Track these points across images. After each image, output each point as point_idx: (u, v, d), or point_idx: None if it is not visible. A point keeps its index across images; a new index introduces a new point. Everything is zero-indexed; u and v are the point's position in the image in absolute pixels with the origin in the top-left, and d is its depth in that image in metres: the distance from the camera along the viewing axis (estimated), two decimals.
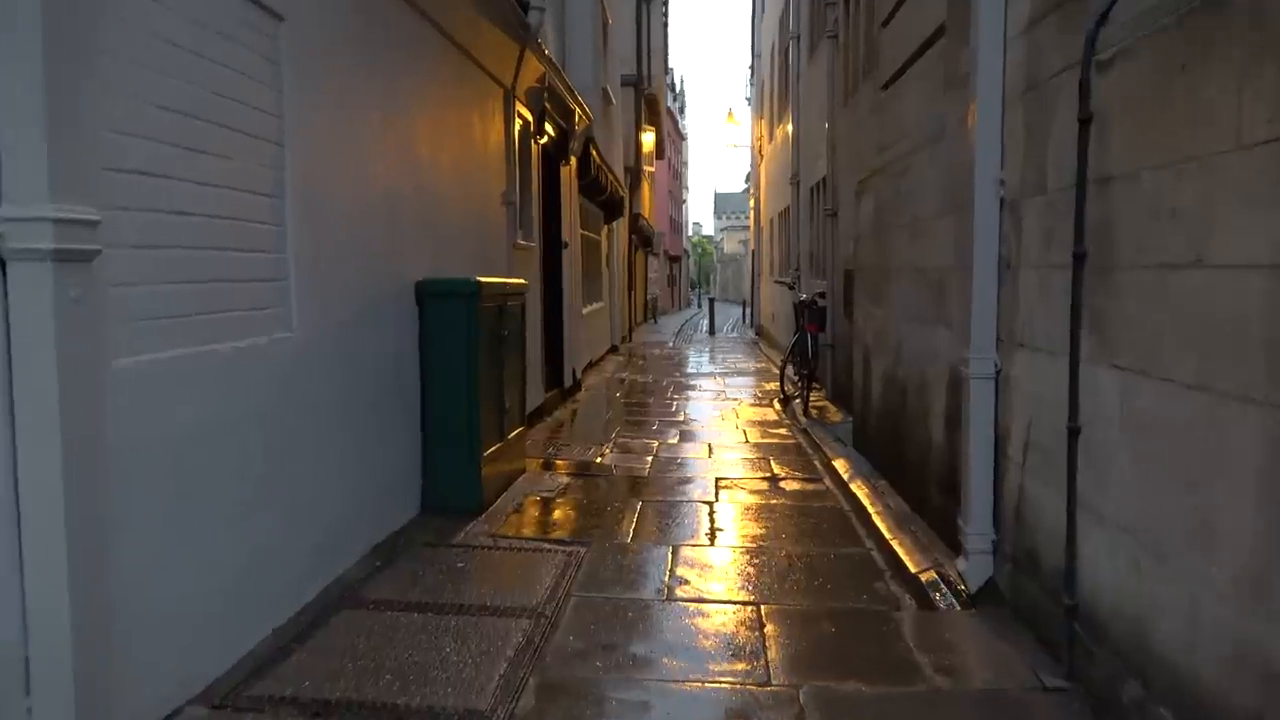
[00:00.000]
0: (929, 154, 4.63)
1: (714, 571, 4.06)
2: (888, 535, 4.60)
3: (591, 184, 12.14)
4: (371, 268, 4.21)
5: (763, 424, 8.47)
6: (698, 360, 15.88)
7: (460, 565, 4.00)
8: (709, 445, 7.29)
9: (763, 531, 4.74)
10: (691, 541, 4.53)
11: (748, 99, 26.23)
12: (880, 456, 5.87)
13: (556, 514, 5.12)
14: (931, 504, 4.57)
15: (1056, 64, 2.99)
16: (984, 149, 3.48)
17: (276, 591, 3.26)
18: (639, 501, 5.32)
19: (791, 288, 10.96)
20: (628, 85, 20.75)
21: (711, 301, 27.03)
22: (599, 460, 6.55)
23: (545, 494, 5.48)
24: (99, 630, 2.33)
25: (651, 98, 23.53)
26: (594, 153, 11.42)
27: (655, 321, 31.49)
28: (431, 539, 4.38)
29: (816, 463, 6.61)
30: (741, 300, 35.78)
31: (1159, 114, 2.36)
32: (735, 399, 10.39)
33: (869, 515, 5.02)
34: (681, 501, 5.36)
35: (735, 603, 3.65)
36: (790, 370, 10.66)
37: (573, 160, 10.46)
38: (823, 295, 9.79)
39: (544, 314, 8.54)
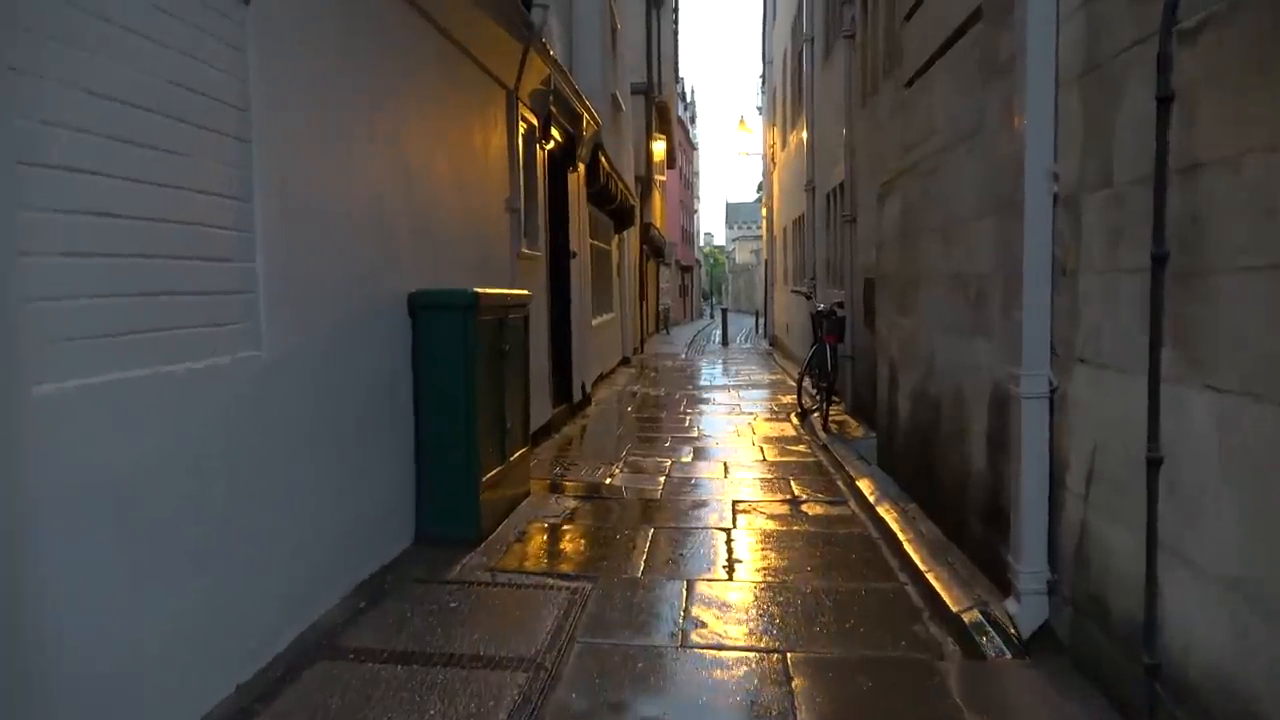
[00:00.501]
0: (964, 150, 4.26)
1: (733, 611, 3.67)
2: (923, 567, 4.20)
3: (601, 192, 11.80)
4: (357, 278, 3.86)
5: (780, 440, 8.07)
6: (711, 372, 15.50)
7: (453, 605, 3.63)
8: (724, 464, 6.90)
9: (785, 563, 4.35)
10: (708, 575, 4.14)
11: (759, 108, 25.93)
12: (909, 477, 5.47)
13: (561, 543, 4.74)
14: (970, 532, 4.17)
15: (1125, 38, 2.61)
16: (1035, 140, 3.10)
17: (242, 643, 2.90)
18: (650, 528, 4.94)
19: (808, 297, 10.57)
20: (638, 93, 20.45)
21: (724, 312, 26.63)
22: (608, 481, 6.18)
23: (550, 520, 5.10)
24: (12, 706, 1.97)
25: (662, 105, 23.24)
26: (603, 160, 11.09)
27: (667, 332, 31.13)
28: (424, 574, 4.01)
29: (839, 483, 6.21)
30: (754, 310, 35.39)
31: (1270, 86, 1.97)
32: (750, 413, 10.00)
33: (900, 544, 4.62)
34: (696, 528, 4.97)
35: (758, 650, 3.26)
36: (808, 383, 10.26)
37: (581, 167, 10.13)
38: (841, 305, 9.41)
39: (550, 326, 8.18)
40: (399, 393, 4.28)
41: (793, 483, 6.19)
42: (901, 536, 4.73)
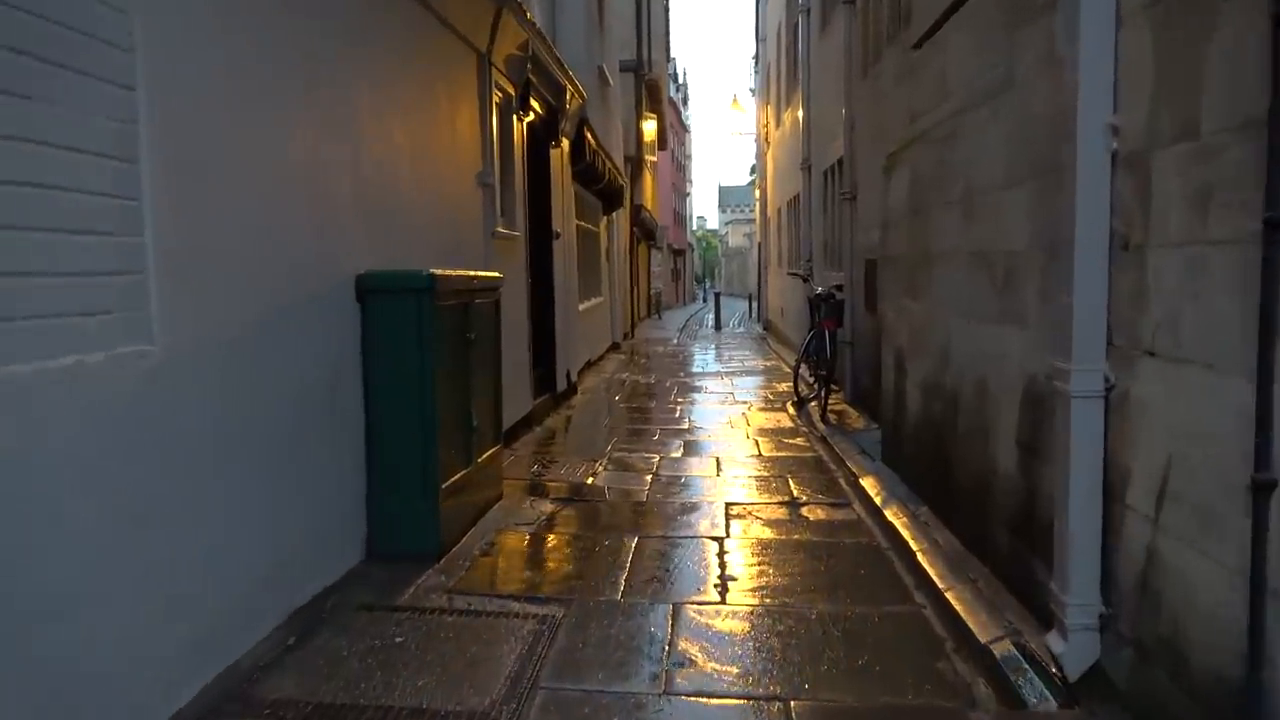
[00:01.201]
0: (987, 112, 3.72)
1: (727, 645, 3.16)
2: (941, 585, 3.70)
3: (587, 170, 11.23)
4: (287, 258, 3.31)
5: (776, 432, 7.56)
6: (703, 358, 14.98)
7: (399, 640, 3.11)
8: (716, 460, 6.39)
9: (786, 580, 3.84)
10: (697, 597, 3.63)
11: (752, 90, 25.28)
12: (919, 476, 4.97)
13: (532, 557, 4.23)
14: (995, 545, 3.67)
15: None
16: (1090, 88, 2.57)
17: (131, 702, 2.38)
18: (635, 537, 4.42)
19: (805, 280, 10.05)
20: (627, 71, 19.83)
21: (717, 296, 26.11)
22: (591, 481, 5.66)
23: (523, 528, 4.59)
24: None
25: (653, 84, 22.60)
26: (589, 136, 10.52)
27: (659, 317, 30.60)
28: (370, 599, 3.49)
29: (841, 481, 5.71)
30: (747, 294, 34.87)
31: None
32: (744, 402, 9.49)
33: (914, 555, 4.13)
34: (685, 538, 4.46)
35: (756, 698, 2.75)
36: (805, 370, 9.76)
37: (564, 143, 9.56)
38: (840, 288, 8.89)
39: (530, 312, 7.64)
40: (345, 390, 3.75)
41: (791, 481, 5.68)
42: (914, 546, 4.23)
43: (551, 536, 4.49)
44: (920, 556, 4.11)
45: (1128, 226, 2.50)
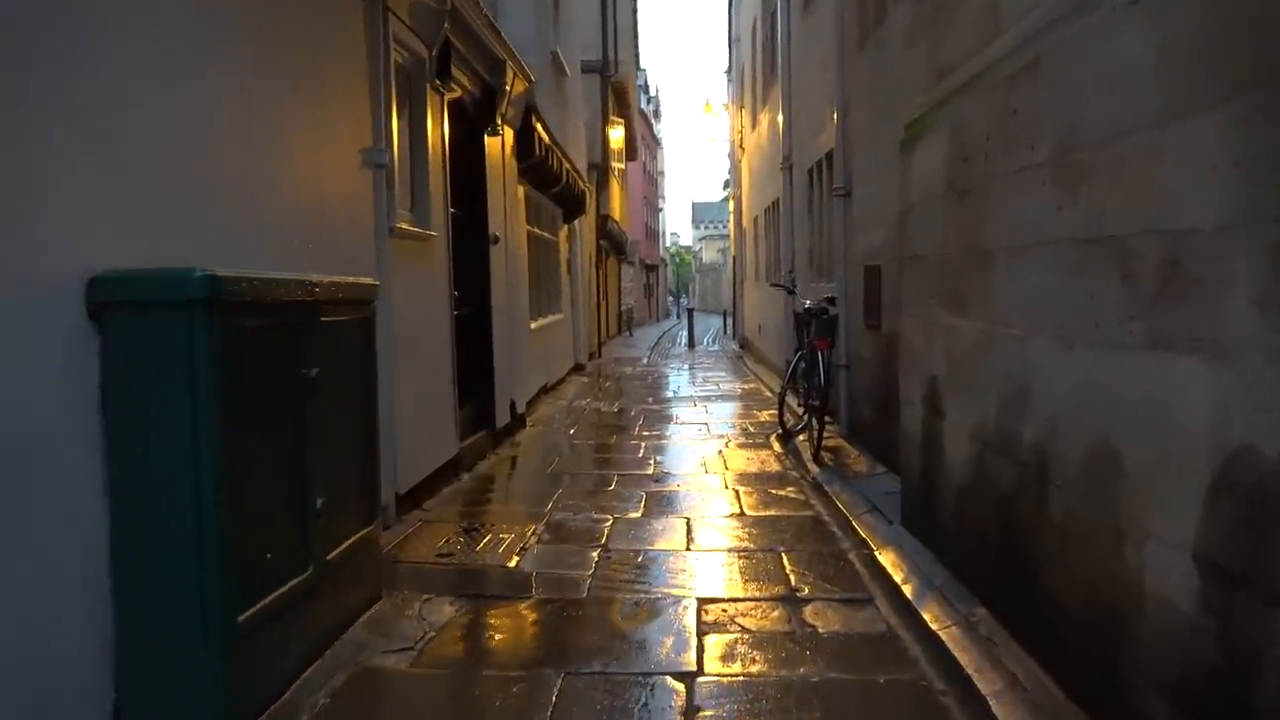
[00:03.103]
0: (1121, 8, 2.31)
1: None
2: None
3: (538, 168, 9.77)
4: None
5: (761, 478, 6.10)
6: (675, 381, 13.52)
7: None
8: (687, 523, 4.92)
9: None
10: None
11: (725, 105, 23.95)
12: (967, 557, 3.53)
13: None
14: (1138, 710, 2.22)
15: None
16: None
17: None
18: (559, 675, 2.92)
19: (790, 292, 8.61)
20: (591, 71, 18.49)
21: (690, 312, 24.67)
22: (515, 563, 4.16)
23: (391, 662, 3.07)
24: None
25: (619, 86, 21.28)
26: (539, 127, 9.06)
27: (630, 334, 29.16)
28: None
29: (853, 557, 4.26)
30: (722, 310, 33.52)
31: None
32: (721, 436, 8.03)
33: (985, 703, 2.68)
34: (634, 677, 2.95)
35: None
36: (791, 399, 8.33)
37: (507, 132, 8.10)
38: (832, 300, 7.48)
39: (456, 331, 6.14)
40: (53, 475, 2.23)
41: (786, 558, 4.22)
42: (983, 688, 2.78)
43: (430, 678, 2.98)
44: (996, 707, 2.67)
45: None
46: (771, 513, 5.16)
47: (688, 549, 4.43)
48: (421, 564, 4.12)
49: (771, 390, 11.25)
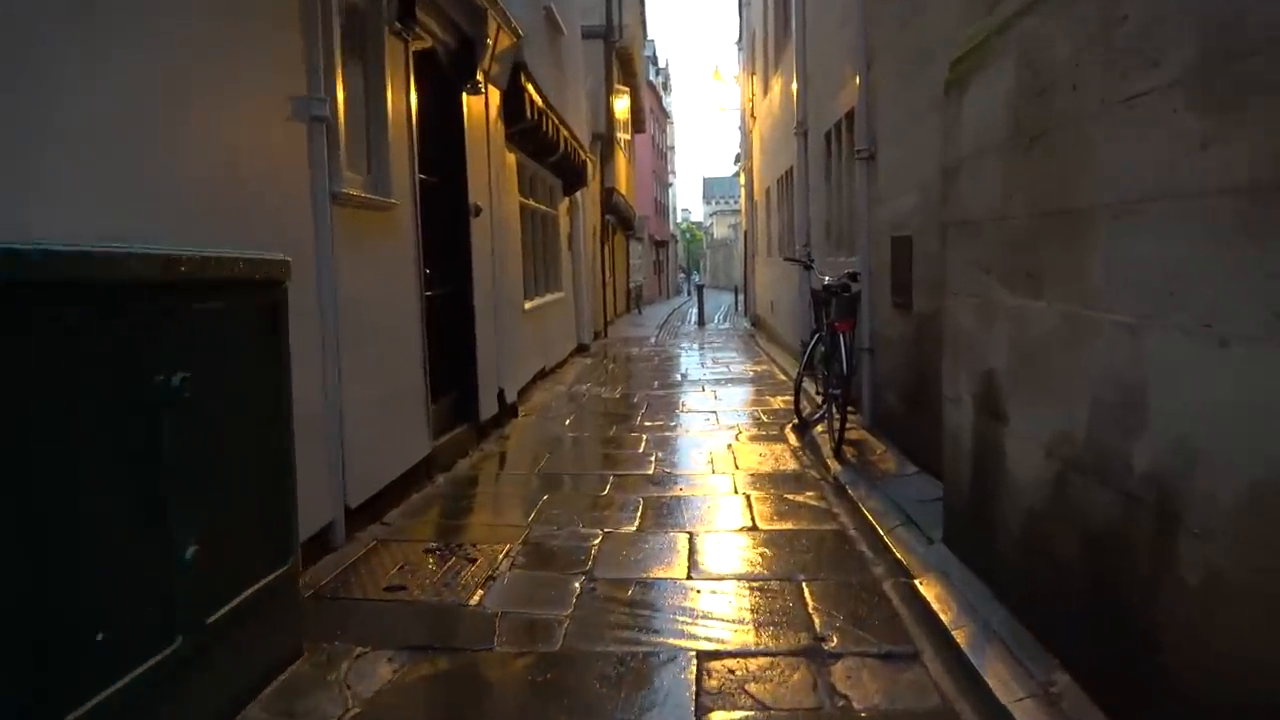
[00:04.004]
0: None
1: None
2: None
3: (532, 134, 8.98)
4: None
5: (776, 479, 5.36)
6: (684, 362, 12.75)
7: None
8: (690, 539, 4.18)
9: None
10: None
11: (736, 77, 22.90)
12: (1047, 607, 2.77)
13: None
14: None
15: None
16: None
17: None
18: None
19: (807, 267, 7.79)
20: (594, 36, 17.58)
21: (700, 289, 23.83)
22: (476, 599, 3.43)
23: None
24: None
25: (625, 53, 20.36)
26: (530, 88, 8.25)
27: (639, 311, 28.37)
28: None
29: (888, 588, 3.51)
30: (733, 287, 32.69)
31: None
32: (732, 426, 7.28)
33: None
34: None
35: None
36: (809, 384, 7.56)
37: (493, 93, 7.30)
38: (855, 276, 6.70)
39: (427, 314, 5.40)
40: None
41: (807, 592, 3.48)
42: None
43: None
44: None
45: None
46: (789, 525, 4.42)
47: (688, 577, 3.69)
48: (364, 602, 3.39)
49: (785, 372, 10.48)
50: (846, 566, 3.78)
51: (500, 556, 3.92)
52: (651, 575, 3.72)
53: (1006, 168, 3.03)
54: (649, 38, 37.94)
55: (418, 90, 5.32)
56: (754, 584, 3.58)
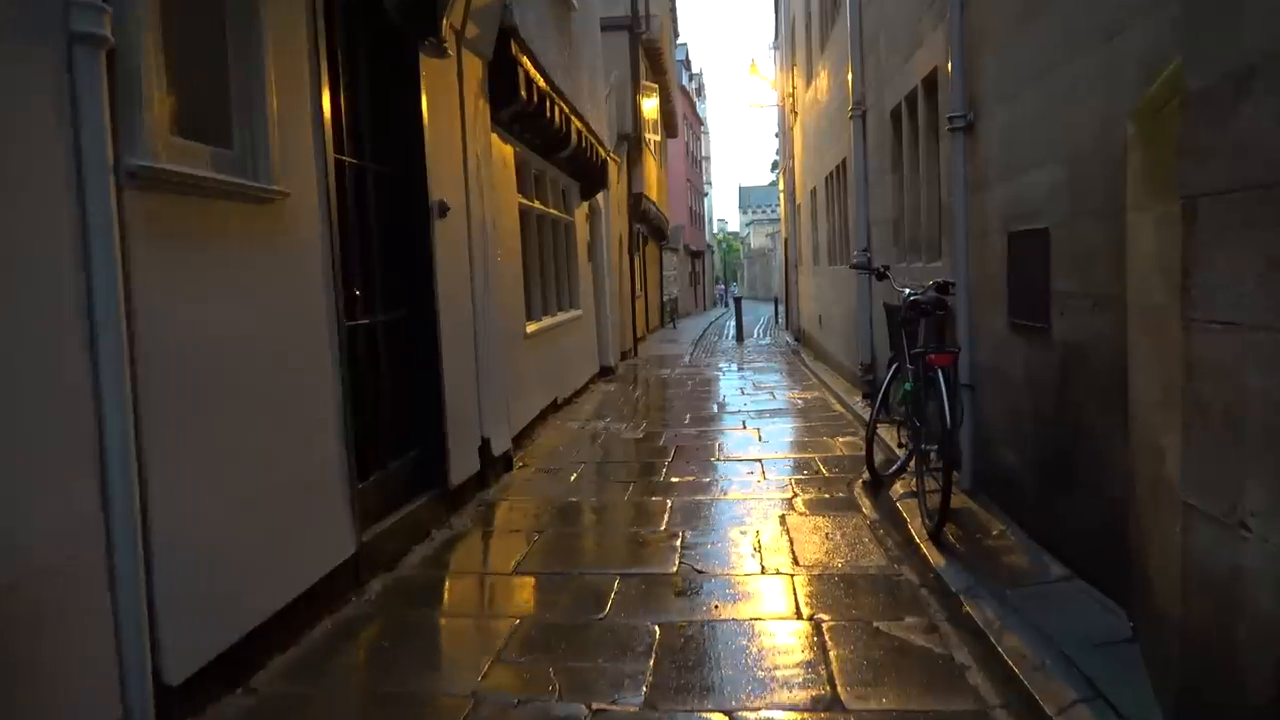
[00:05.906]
0: None
1: None
2: None
3: (533, 120, 7.39)
4: None
5: (856, 585, 3.65)
6: (721, 388, 11.03)
7: None
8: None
9: None
10: None
11: (772, 84, 21.11)
12: None
13: None
14: None
15: None
16: None
17: None
18: None
19: (881, 276, 5.97)
20: (618, 28, 16.04)
21: (738, 301, 22.07)
22: None
23: None
24: None
25: (653, 47, 18.75)
26: (525, 62, 6.66)
27: (674, 326, 26.71)
28: None
29: None
30: (772, 297, 30.88)
31: None
32: (782, 483, 5.59)
33: None
34: None
35: None
36: (886, 433, 5.83)
37: (472, 63, 5.71)
38: (947, 287, 4.99)
39: (353, 354, 3.78)
40: None
41: None
42: None
43: None
44: None
45: None
46: (892, 700, 2.71)
47: None
48: None
49: (841, 400, 8.75)
50: None
51: None
52: None
53: None
54: (680, 40, 36.41)
55: (339, 33, 3.73)
56: None
